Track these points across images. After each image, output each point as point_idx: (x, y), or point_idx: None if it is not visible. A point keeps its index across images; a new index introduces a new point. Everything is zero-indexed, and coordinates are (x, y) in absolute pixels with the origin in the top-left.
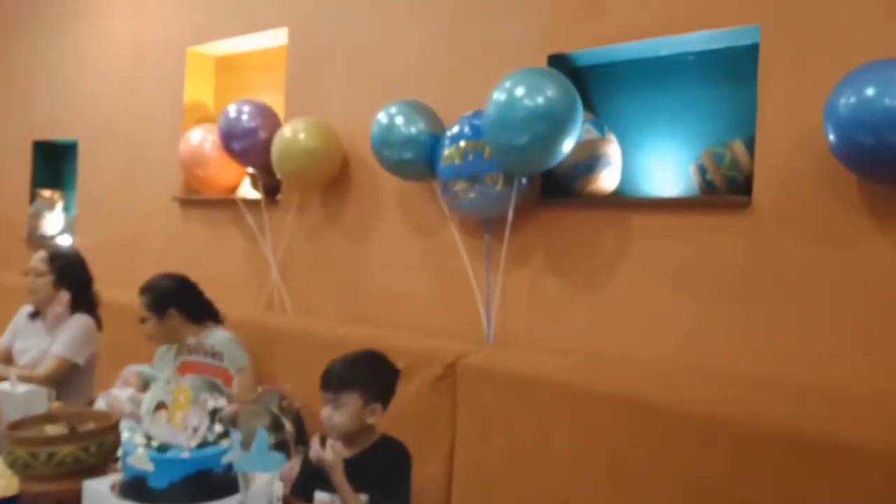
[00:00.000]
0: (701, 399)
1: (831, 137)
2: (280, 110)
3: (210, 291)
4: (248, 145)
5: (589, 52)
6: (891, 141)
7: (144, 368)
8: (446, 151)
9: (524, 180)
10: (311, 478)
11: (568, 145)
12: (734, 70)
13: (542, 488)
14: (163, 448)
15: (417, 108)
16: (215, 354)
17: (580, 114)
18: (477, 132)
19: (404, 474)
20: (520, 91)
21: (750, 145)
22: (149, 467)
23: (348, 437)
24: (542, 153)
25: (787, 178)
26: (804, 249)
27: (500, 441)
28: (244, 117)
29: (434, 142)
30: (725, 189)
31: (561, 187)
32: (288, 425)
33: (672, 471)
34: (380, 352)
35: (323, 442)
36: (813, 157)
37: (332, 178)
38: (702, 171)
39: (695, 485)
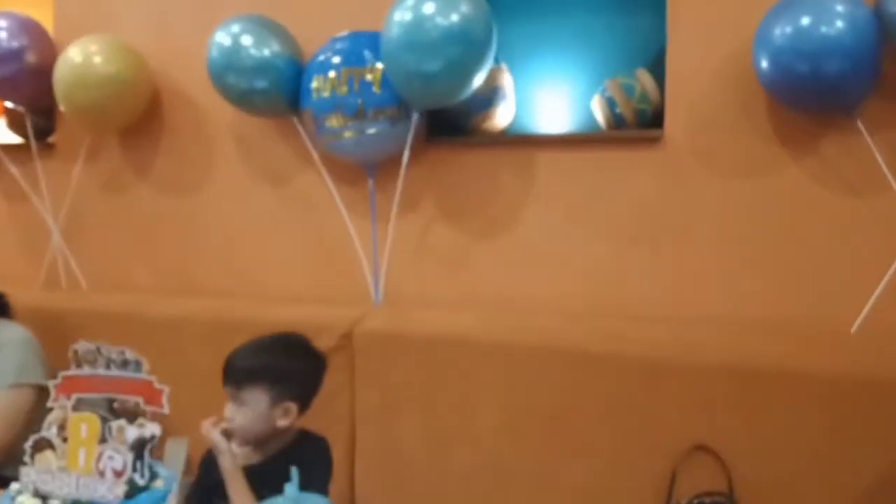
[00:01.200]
0: (632, 340)
1: (764, 65)
2: (49, 28)
3: None
4: (11, 72)
5: None
6: (826, 70)
7: None
8: (315, 81)
9: (417, 115)
10: (208, 490)
11: (482, 74)
12: None
13: (469, 463)
14: None
15: (269, 27)
16: (126, 362)
17: (495, 36)
18: (357, 58)
19: (322, 475)
20: (429, 8)
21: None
22: None
23: (256, 441)
24: (454, 83)
25: (699, 109)
26: (718, 183)
27: (412, 417)
28: (2, 35)
29: (294, 68)
30: (635, 123)
31: (451, 124)
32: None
33: (617, 419)
34: (298, 334)
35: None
36: (726, 88)
37: (138, 116)
38: (610, 103)
39: (642, 428)
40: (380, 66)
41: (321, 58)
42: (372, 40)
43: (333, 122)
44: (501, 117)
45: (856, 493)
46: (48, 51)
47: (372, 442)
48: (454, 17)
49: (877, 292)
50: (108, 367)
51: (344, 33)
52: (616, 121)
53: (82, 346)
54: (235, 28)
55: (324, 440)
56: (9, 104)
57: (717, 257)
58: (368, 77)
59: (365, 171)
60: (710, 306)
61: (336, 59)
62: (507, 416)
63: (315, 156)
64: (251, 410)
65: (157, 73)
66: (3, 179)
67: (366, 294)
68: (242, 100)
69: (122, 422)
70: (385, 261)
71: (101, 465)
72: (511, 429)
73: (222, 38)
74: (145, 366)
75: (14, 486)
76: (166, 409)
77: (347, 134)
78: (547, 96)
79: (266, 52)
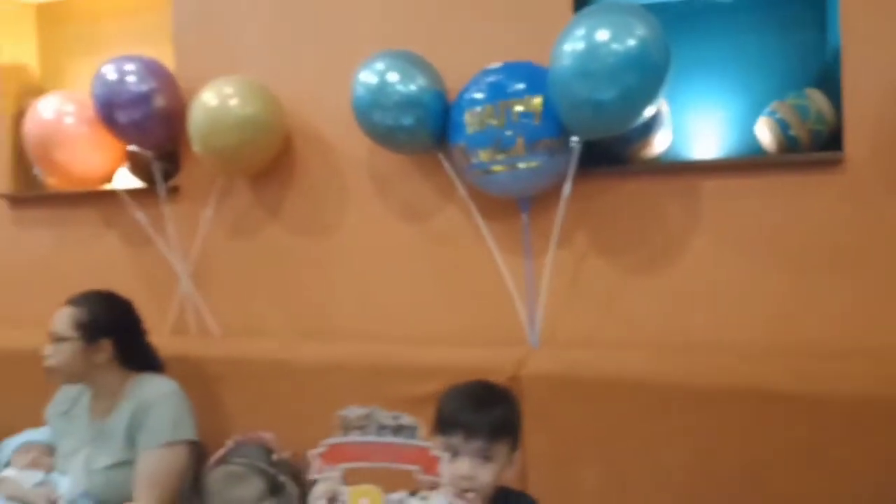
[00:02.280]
0: (826, 378)
1: None
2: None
3: None
4: (140, 116)
5: None
6: None
7: (40, 437)
8: (467, 115)
9: (578, 146)
10: None
11: (657, 101)
12: (779, 15)
13: None
14: None
15: (414, 62)
16: (400, 428)
17: (671, 60)
18: (513, 90)
19: None
20: (602, 35)
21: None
22: None
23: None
24: (628, 111)
25: (882, 128)
26: None
27: (588, 463)
28: (130, 79)
29: (440, 103)
30: (810, 145)
31: (605, 153)
32: (290, 485)
33: (821, 466)
34: (492, 382)
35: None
36: None
37: (271, 157)
38: (782, 125)
39: (851, 474)
40: (539, 97)
41: (473, 91)
42: (526, 71)
43: (488, 156)
44: (659, 144)
45: None
46: (175, 94)
47: (546, 490)
48: (631, 42)
49: None
50: (379, 433)
51: (496, 65)
52: (789, 143)
53: (352, 411)
54: (380, 65)
55: (530, 497)
56: (134, 149)
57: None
58: (527, 108)
59: (515, 206)
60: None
61: (490, 92)
62: (697, 463)
63: (462, 191)
64: (496, 466)
65: (289, 114)
66: (125, 224)
67: (519, 334)
68: (387, 136)
69: (404, 494)
70: (541, 299)
71: None
72: (701, 476)
73: (366, 75)
74: (420, 431)
75: None
76: (444, 479)
77: (503, 168)
78: (700, 120)
79: (412, 87)
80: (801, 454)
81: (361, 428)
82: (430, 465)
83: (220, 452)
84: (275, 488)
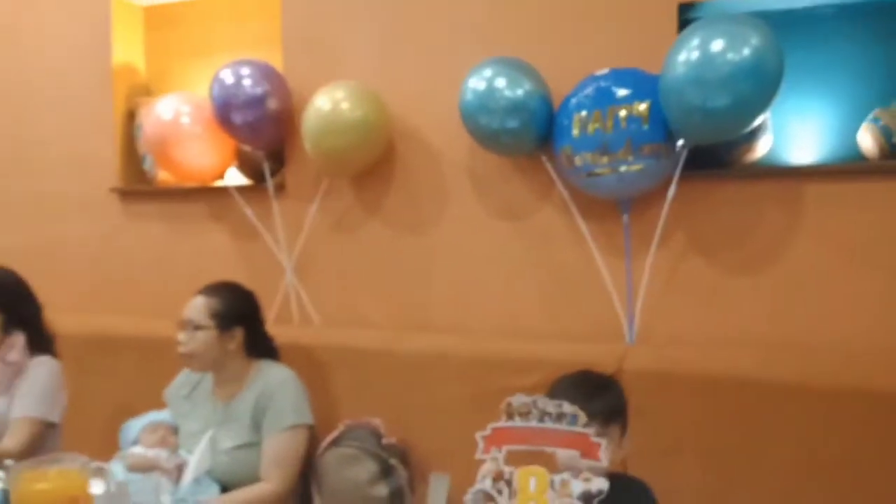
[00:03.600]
0: None
1: None
2: None
3: (186, 303)
4: (255, 118)
5: (718, 2)
6: None
7: (164, 417)
8: (575, 119)
9: (685, 150)
10: None
11: (769, 109)
12: (881, 23)
13: None
14: None
15: (521, 68)
16: (562, 416)
17: (783, 69)
18: (621, 95)
19: None
20: (717, 44)
21: None
22: None
23: None
24: (740, 119)
25: None
26: None
27: (690, 459)
28: (246, 83)
29: (546, 107)
30: None
31: (708, 156)
32: (399, 468)
33: None
34: (596, 371)
35: None
36: None
37: (376, 158)
38: (885, 132)
39: None
40: (646, 102)
41: (580, 96)
42: (633, 77)
43: (595, 159)
44: (761, 149)
45: None
46: (286, 97)
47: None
48: (745, 52)
49: None
50: (541, 419)
51: (604, 71)
52: (891, 150)
53: (517, 399)
54: (488, 72)
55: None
56: (247, 148)
57: None
58: (634, 113)
59: (615, 207)
60: None
61: (597, 97)
62: (800, 461)
63: (564, 193)
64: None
65: (394, 117)
66: (233, 219)
67: (616, 331)
68: (492, 139)
69: (567, 475)
70: (640, 298)
71: None
72: (805, 475)
73: (475, 82)
74: (581, 419)
75: None
76: (604, 462)
77: (608, 171)
78: (801, 126)
79: (519, 92)
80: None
81: (524, 415)
82: (588, 449)
83: (332, 435)
84: (386, 471)
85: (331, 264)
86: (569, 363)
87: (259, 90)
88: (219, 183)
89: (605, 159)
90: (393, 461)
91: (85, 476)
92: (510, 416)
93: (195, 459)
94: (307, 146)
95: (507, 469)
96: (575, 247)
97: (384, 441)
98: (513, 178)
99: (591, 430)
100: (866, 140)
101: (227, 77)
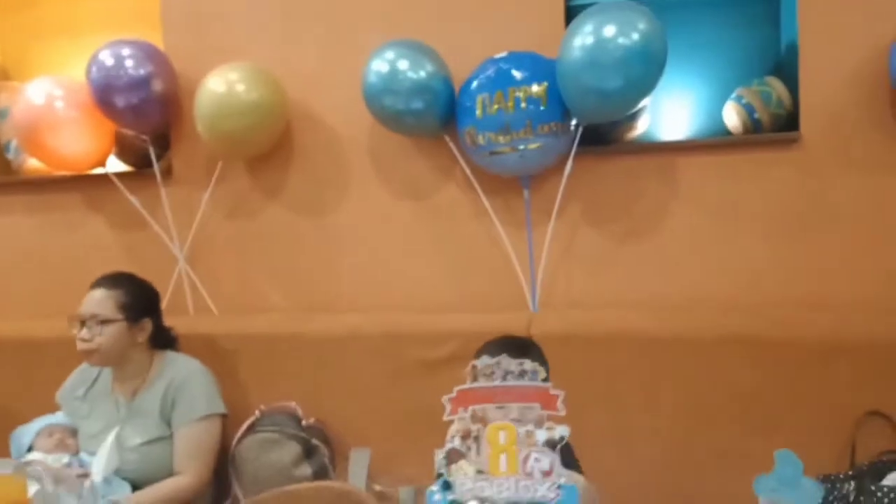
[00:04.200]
0: (801, 325)
1: None
2: None
3: (65, 300)
4: (139, 101)
5: None
6: None
7: (60, 420)
8: (477, 100)
9: (579, 128)
10: None
11: (654, 88)
12: (743, 9)
13: (656, 452)
14: None
15: (422, 51)
16: (524, 373)
17: (667, 51)
18: (520, 77)
19: None
20: (609, 30)
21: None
22: None
23: None
24: (631, 98)
25: (833, 111)
26: (853, 179)
27: (595, 408)
28: (129, 63)
29: (448, 89)
30: (771, 127)
31: (598, 135)
32: (322, 448)
33: (796, 398)
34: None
35: None
36: (859, 91)
37: (273, 141)
38: (748, 109)
39: (820, 403)
40: (543, 84)
41: (481, 78)
42: (530, 61)
43: (497, 138)
44: (641, 127)
45: None
46: (172, 78)
47: None
48: (635, 37)
49: None
50: (504, 378)
51: (503, 54)
52: (754, 125)
53: (482, 361)
54: (390, 54)
55: None
56: (130, 132)
57: (855, 246)
58: (534, 94)
59: (517, 183)
60: (853, 291)
61: (498, 79)
62: (691, 406)
63: (467, 170)
64: None
65: (291, 99)
66: (115, 208)
67: (520, 299)
68: (397, 120)
69: (531, 426)
70: (541, 267)
71: (527, 468)
72: (695, 417)
73: (378, 64)
74: (541, 374)
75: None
76: (562, 412)
77: (510, 149)
78: (672, 105)
79: (422, 73)
80: (778, 390)
81: (488, 375)
82: (548, 402)
83: (248, 422)
84: (309, 451)
85: (227, 251)
86: (481, 333)
87: (143, 71)
88: (98, 170)
89: (507, 138)
90: (315, 441)
91: (22, 479)
92: (475, 378)
93: (102, 459)
94: (200, 129)
95: (474, 427)
96: (478, 222)
97: (304, 423)
98: (415, 157)
99: (549, 385)
100: (731, 117)
101: (107, 58)
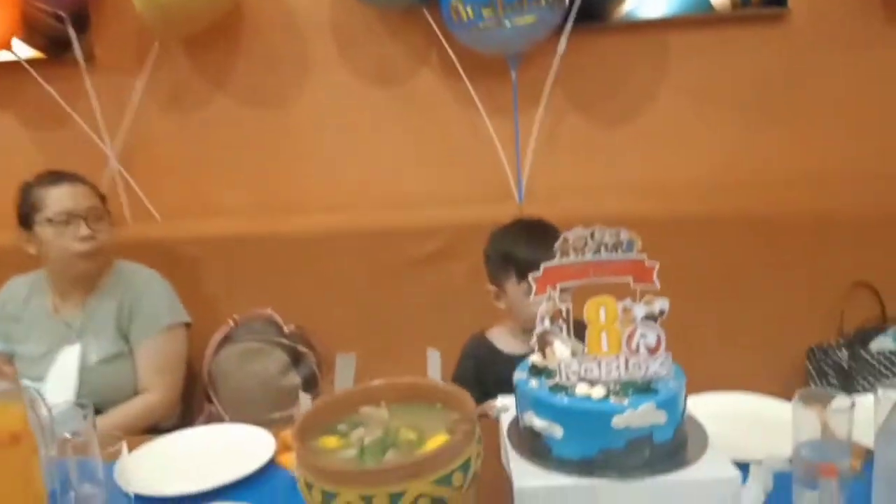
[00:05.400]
0: (792, 201)
1: None
2: None
3: None
4: None
5: None
6: None
7: None
8: None
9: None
10: None
11: None
12: None
13: None
14: (634, 388)
15: None
16: (618, 244)
17: None
18: None
19: None
20: None
21: None
22: (658, 419)
23: None
24: None
25: None
26: (840, 56)
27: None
28: None
29: None
30: (760, 2)
31: (587, 12)
32: (309, 355)
33: (789, 275)
34: (535, 219)
35: None
36: None
37: (218, 16)
38: None
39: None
40: None
41: None
42: None
43: (486, 11)
44: (630, 3)
45: None
46: None
47: None
48: None
49: None
50: (597, 251)
51: None
52: (743, 2)
53: (574, 233)
54: None
55: None
56: (44, 8)
57: (840, 124)
58: None
59: (503, 65)
60: (841, 167)
61: None
62: (681, 284)
63: (450, 51)
64: None
65: None
66: (26, 101)
67: (504, 190)
68: None
69: (627, 301)
70: (528, 156)
71: (632, 345)
72: (685, 294)
73: None
74: (637, 244)
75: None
76: (657, 285)
77: (499, 24)
78: None
79: None
80: (766, 265)
81: (579, 250)
82: (642, 274)
83: (222, 333)
84: (296, 359)
85: (168, 149)
86: (468, 226)
87: None
88: (4, 57)
89: (497, 11)
90: (301, 348)
91: (21, 405)
92: (564, 254)
93: (59, 383)
94: (136, 2)
95: (563, 306)
96: (460, 108)
97: (286, 330)
98: (387, 36)
99: (645, 256)
100: None
101: None
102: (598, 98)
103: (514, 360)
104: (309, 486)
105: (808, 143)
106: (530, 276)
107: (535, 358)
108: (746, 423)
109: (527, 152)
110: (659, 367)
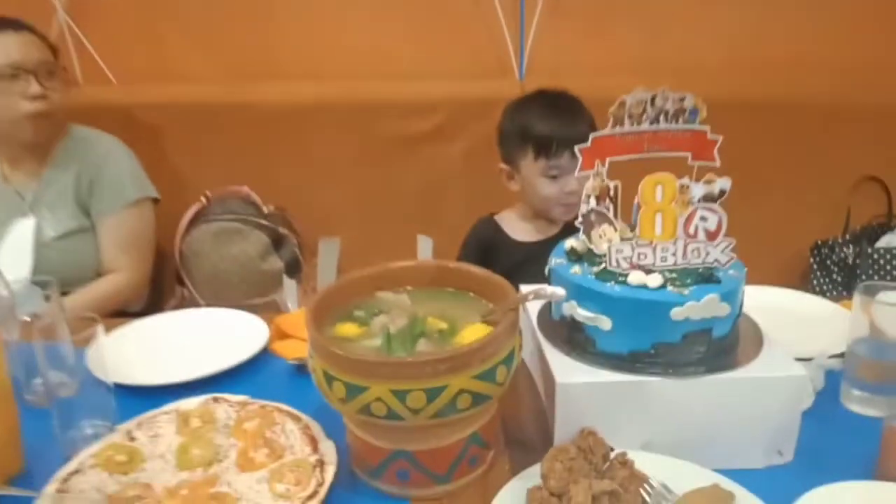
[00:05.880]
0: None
1: None
2: None
3: None
4: None
5: None
6: None
7: None
8: None
9: None
10: None
11: None
12: None
13: None
14: (694, 277)
15: None
16: (681, 112)
17: None
18: None
19: None
20: None
21: None
22: (720, 311)
23: None
24: None
25: None
26: None
27: None
28: None
29: None
30: None
31: None
32: (292, 236)
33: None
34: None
35: None
36: None
37: None
38: None
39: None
40: None
41: None
42: None
43: None
44: None
45: None
46: None
47: None
48: None
49: None
50: (655, 120)
51: None
52: None
53: (634, 96)
54: None
55: None
56: None
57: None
58: None
59: None
60: (854, 55)
61: None
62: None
63: None
64: None
65: None
66: None
67: (504, 67)
68: None
69: (686, 179)
70: (532, 27)
71: (689, 229)
72: None
73: None
74: (702, 113)
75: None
76: (717, 162)
77: None
78: None
79: None
80: (773, 154)
81: (636, 116)
82: (702, 149)
83: (193, 210)
84: (278, 241)
85: (124, 3)
86: (468, 101)
87: None
88: None
89: None
90: (282, 230)
91: None
92: (618, 121)
93: (8, 258)
94: None
95: (611, 184)
96: None
97: (265, 210)
98: None
99: (707, 128)
100: None
101: None
102: None
103: (525, 248)
104: (329, 380)
105: (822, 27)
106: (576, 148)
107: (572, 242)
108: (785, 319)
109: (531, 22)
110: (720, 254)
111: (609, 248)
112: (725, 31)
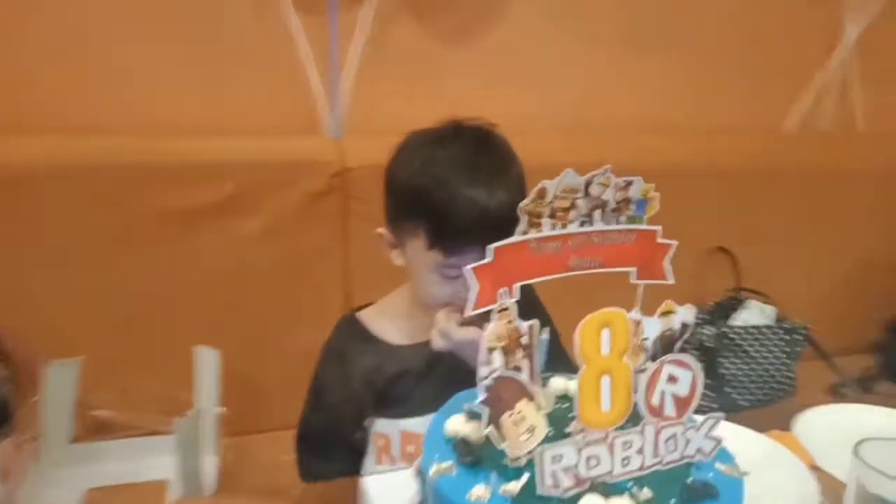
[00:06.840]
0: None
1: None
2: None
3: None
4: None
5: None
6: None
7: None
8: None
9: None
10: None
11: None
12: None
13: None
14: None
15: None
16: (627, 201)
17: None
18: None
19: None
20: None
21: None
22: None
23: None
24: None
25: None
26: None
27: None
28: None
29: None
30: None
31: None
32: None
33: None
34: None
35: None
36: None
37: None
38: None
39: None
40: None
41: None
42: None
43: None
44: None
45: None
46: None
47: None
48: None
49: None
50: (588, 217)
51: None
52: None
53: (563, 180)
54: None
55: None
56: None
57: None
58: None
59: None
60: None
61: None
62: None
63: None
64: None
65: None
66: None
67: (310, 122)
68: None
69: (635, 312)
70: (347, 76)
71: (653, 399)
72: None
73: None
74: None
75: None
76: (669, 277)
77: None
78: None
79: None
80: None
81: (564, 211)
82: (650, 260)
83: None
84: None
85: None
86: (267, 165)
87: None
88: None
89: None
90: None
91: None
92: (535, 219)
93: None
94: None
95: (523, 326)
96: (252, 7)
97: None
98: None
99: (659, 227)
100: None
101: None
102: (429, 8)
103: (404, 353)
104: None
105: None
106: (465, 269)
107: (456, 424)
108: None
109: (348, 68)
110: (703, 439)
111: (539, 455)
112: (575, 80)
